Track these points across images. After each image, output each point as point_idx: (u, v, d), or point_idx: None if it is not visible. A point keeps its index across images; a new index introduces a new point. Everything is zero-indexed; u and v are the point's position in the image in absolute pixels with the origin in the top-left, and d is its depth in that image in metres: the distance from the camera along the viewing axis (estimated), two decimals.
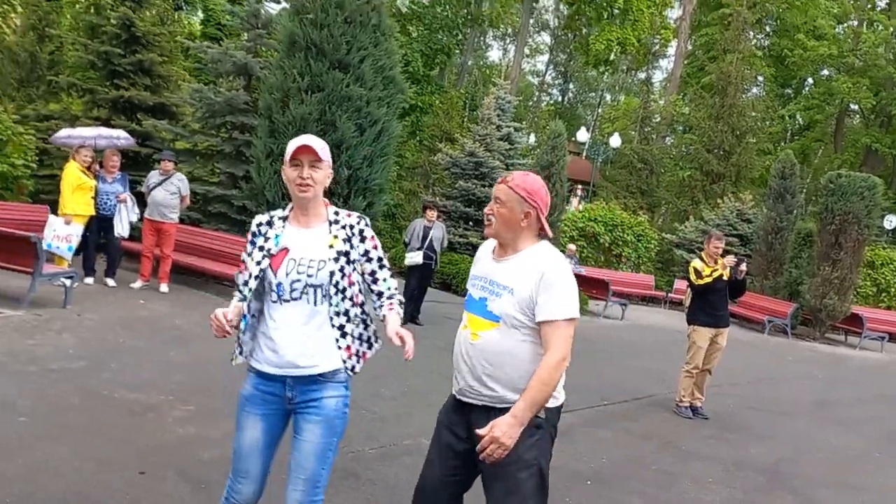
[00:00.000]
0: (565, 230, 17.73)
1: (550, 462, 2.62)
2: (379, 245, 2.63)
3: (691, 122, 28.15)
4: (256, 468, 2.53)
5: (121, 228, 8.95)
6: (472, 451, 2.56)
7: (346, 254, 2.54)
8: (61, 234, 8.31)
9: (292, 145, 2.47)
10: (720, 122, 25.10)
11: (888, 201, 20.66)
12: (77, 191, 8.61)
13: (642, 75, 45.85)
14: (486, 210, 2.64)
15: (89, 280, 8.91)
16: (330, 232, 2.55)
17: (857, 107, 33.93)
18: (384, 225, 21.18)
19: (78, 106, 13.35)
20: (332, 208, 2.62)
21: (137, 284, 9.15)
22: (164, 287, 9.20)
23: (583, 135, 27.23)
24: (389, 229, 21.54)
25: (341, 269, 2.50)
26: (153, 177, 9.31)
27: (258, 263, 2.51)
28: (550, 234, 2.68)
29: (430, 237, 9.82)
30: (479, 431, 2.44)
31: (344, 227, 2.57)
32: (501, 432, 2.40)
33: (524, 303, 2.50)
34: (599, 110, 50.17)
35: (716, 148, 25.22)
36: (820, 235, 15.51)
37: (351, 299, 2.54)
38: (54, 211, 8.78)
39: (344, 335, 2.56)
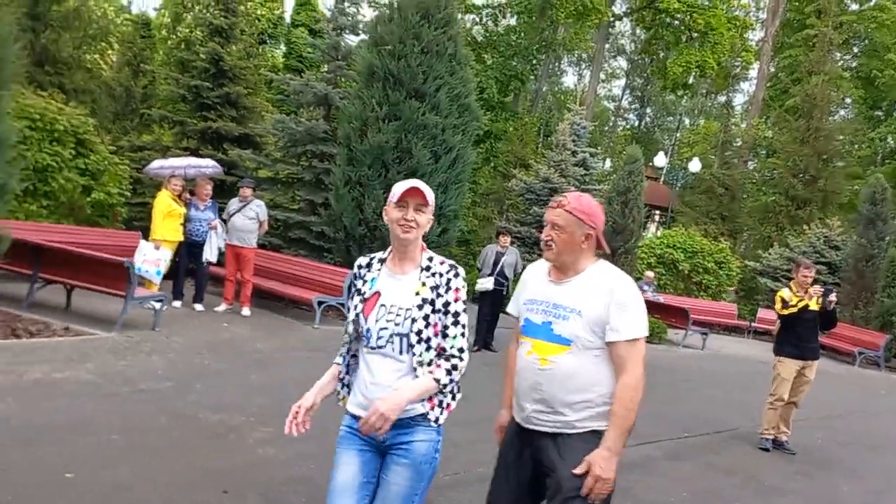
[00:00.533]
0: (643, 257, 17.42)
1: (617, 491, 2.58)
2: (462, 298, 2.49)
3: (775, 145, 27.31)
4: None
5: (209, 254, 9.34)
6: (537, 478, 2.58)
7: (432, 302, 2.44)
8: (150, 259, 8.71)
9: (401, 187, 2.45)
10: (805, 146, 24.24)
11: None
12: (167, 218, 9.03)
13: (722, 98, 44.88)
14: (543, 236, 2.63)
15: (177, 304, 9.30)
16: (419, 278, 2.47)
17: None
18: (458, 251, 21.31)
19: (169, 137, 14.02)
20: (428, 254, 2.53)
21: (221, 308, 9.48)
22: (245, 311, 9.50)
23: (661, 160, 26.78)
24: (463, 255, 21.64)
25: (425, 318, 2.41)
26: (233, 203, 9.68)
27: (355, 308, 2.51)
28: (608, 249, 2.67)
29: (501, 263, 9.81)
30: (576, 471, 2.41)
31: (434, 275, 2.47)
32: (601, 469, 2.38)
33: (595, 323, 2.49)
34: (678, 135, 49.29)
35: (801, 172, 24.35)
36: None
37: (436, 349, 2.43)
38: (146, 237, 9.22)
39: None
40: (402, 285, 2.48)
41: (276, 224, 11.22)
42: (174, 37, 23.59)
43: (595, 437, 2.50)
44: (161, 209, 9.02)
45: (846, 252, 17.61)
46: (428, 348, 2.41)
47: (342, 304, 10.02)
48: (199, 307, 9.36)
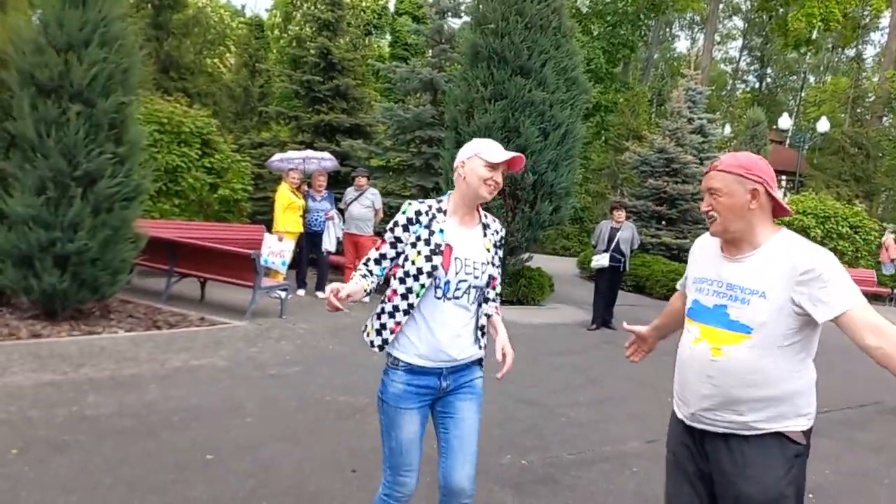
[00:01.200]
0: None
1: None
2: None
3: None
4: (417, 459, 2.61)
5: (328, 244, 9.65)
6: (712, 481, 2.27)
7: (494, 257, 2.66)
8: (275, 251, 9.10)
9: (500, 153, 2.54)
10: None
11: None
12: (288, 210, 9.39)
13: (851, 52, 41.76)
14: (703, 208, 2.27)
15: (301, 292, 9.68)
16: (485, 235, 2.66)
17: None
18: (571, 229, 21.04)
19: (285, 132, 14.59)
20: (483, 211, 2.71)
21: None
22: (365, 297, 9.74)
23: (785, 122, 25.22)
24: (577, 233, 21.34)
25: (492, 274, 2.66)
26: (349, 193, 9.95)
27: (428, 258, 2.52)
28: (790, 210, 2.32)
29: (616, 239, 9.57)
30: None
31: (494, 232, 2.70)
32: None
33: (783, 307, 2.11)
34: (802, 94, 46.32)
35: None
36: None
37: (486, 300, 2.70)
38: (269, 230, 9.64)
39: (483, 334, 2.70)
40: (471, 239, 2.62)
41: (389, 211, 11.42)
42: (286, 35, 24.47)
43: (778, 440, 2.17)
44: (282, 202, 9.39)
45: None
46: (486, 300, 2.70)
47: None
48: (321, 295, 9.67)
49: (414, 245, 2.54)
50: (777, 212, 2.23)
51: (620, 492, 4.12)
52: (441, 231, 2.56)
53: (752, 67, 51.02)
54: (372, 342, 2.63)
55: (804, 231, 16.37)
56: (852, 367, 8.31)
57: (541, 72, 9.92)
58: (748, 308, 2.15)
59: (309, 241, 9.73)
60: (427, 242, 2.53)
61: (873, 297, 16.35)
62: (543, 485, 4.14)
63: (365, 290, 2.56)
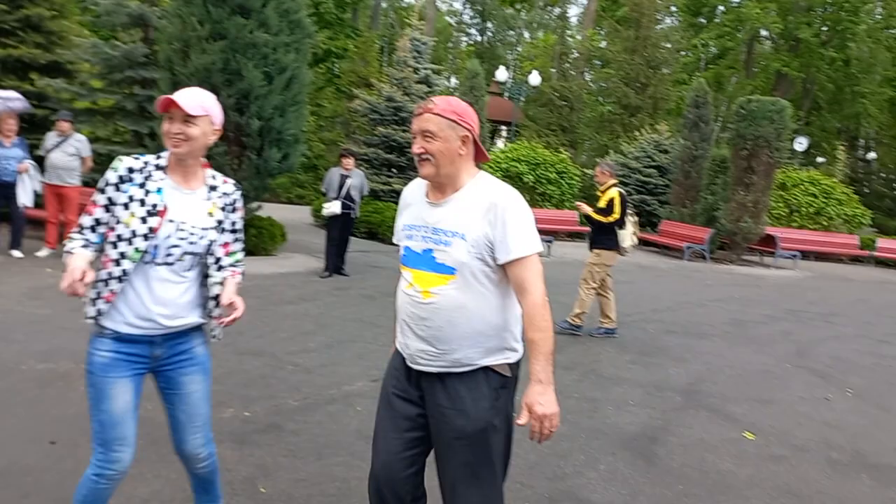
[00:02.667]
0: (489, 172, 17.70)
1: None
2: (242, 214, 2.63)
3: (608, 56, 28.34)
4: (132, 432, 2.44)
5: (25, 198, 8.49)
6: (426, 418, 2.37)
7: (221, 222, 2.51)
8: None
9: (163, 100, 2.32)
10: (636, 55, 25.38)
11: (798, 124, 21.33)
12: None
13: (558, 10, 45.71)
14: (414, 150, 2.27)
15: None
16: (209, 198, 2.49)
17: (766, 32, 34.76)
18: (306, 177, 20.82)
19: None
20: (210, 171, 2.54)
21: (43, 253, 8.76)
22: None
23: (502, 74, 27.00)
24: (311, 181, 21.16)
25: (218, 238, 2.51)
26: (50, 139, 8.85)
27: (143, 220, 2.32)
28: (489, 156, 2.48)
29: (346, 186, 9.64)
30: (519, 422, 2.19)
31: (223, 195, 2.54)
32: (543, 408, 2.15)
33: (480, 246, 2.22)
34: (519, 49, 49.92)
35: (633, 81, 25.53)
36: (733, 161, 15.97)
37: (220, 267, 2.54)
38: None
39: (217, 304, 2.52)
40: (191, 203, 2.44)
41: (98, 159, 10.34)
42: None
43: (485, 374, 2.30)
44: None
45: (674, 155, 18.76)
46: (220, 267, 2.52)
47: None
48: (17, 253, 8.56)
49: (126, 206, 2.32)
50: (478, 157, 2.33)
51: (343, 431, 4.21)
52: (159, 190, 2.36)
53: (474, 21, 53.76)
54: (87, 313, 2.40)
55: (518, 177, 17.84)
56: (554, 297, 9.29)
57: (262, 12, 9.48)
58: (451, 249, 2.23)
59: None
60: (141, 203, 2.33)
61: (574, 236, 18.40)
62: (267, 433, 4.09)
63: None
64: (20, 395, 4.33)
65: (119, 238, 2.33)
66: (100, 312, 2.37)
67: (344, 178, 9.66)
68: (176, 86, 9.43)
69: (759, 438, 4.77)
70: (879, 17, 34.95)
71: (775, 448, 4.62)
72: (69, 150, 8.80)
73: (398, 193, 14.90)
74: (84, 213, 2.38)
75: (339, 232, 9.75)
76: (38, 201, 8.91)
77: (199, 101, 2.37)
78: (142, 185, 2.36)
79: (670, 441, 4.58)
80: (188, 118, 2.34)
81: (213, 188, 2.51)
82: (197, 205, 2.45)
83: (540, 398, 2.15)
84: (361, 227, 14.29)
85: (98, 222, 2.36)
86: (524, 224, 2.23)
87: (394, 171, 15.60)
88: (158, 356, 2.46)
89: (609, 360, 6.49)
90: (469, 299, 2.24)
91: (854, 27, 31.87)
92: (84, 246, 2.34)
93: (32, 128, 10.88)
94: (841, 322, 9.74)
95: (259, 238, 10.52)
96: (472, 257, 2.22)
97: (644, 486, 3.84)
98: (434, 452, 2.40)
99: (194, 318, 2.51)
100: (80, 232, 2.36)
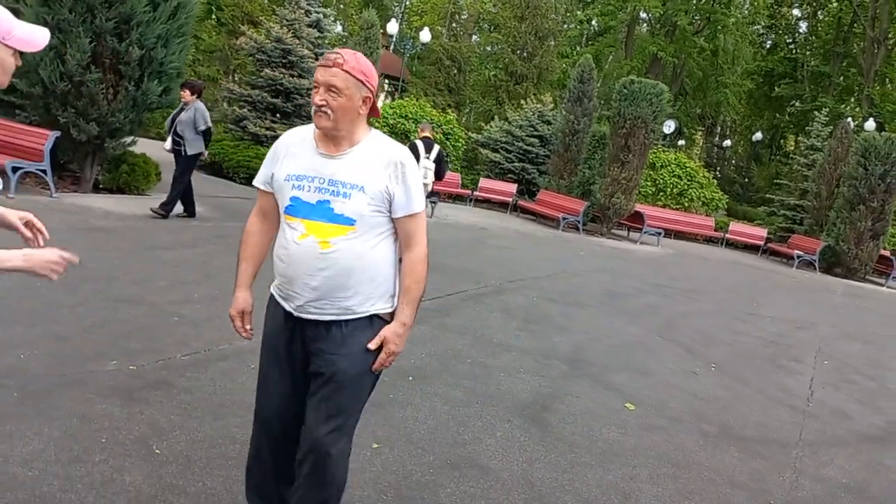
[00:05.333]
0: (376, 126, 17.43)
1: None
2: None
3: (497, 20, 28.47)
4: None
5: None
6: (308, 366, 2.45)
7: None
8: None
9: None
10: (524, 23, 25.64)
11: (670, 107, 22.43)
12: None
13: None
14: (316, 100, 2.24)
15: None
16: None
17: (646, 15, 36.16)
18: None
19: None
20: None
21: None
22: None
23: (392, 27, 26.55)
24: None
25: None
26: None
27: None
28: (380, 114, 2.50)
29: (176, 120, 8.89)
30: (370, 346, 2.38)
31: None
32: (396, 345, 2.41)
33: (378, 199, 2.30)
34: (407, 2, 49.15)
35: (520, 49, 25.82)
36: (612, 138, 16.56)
37: None
38: None
39: None
40: None
41: None
42: None
43: (371, 320, 2.41)
44: None
45: (556, 127, 19.22)
46: None
47: (42, 171, 8.73)
48: None
49: None
50: (371, 113, 2.38)
51: (240, 389, 4.04)
52: None
53: None
54: None
55: (405, 134, 17.68)
56: (440, 260, 9.36)
57: None
58: (350, 202, 2.28)
59: None
60: None
61: (455, 198, 18.56)
62: (157, 389, 3.86)
63: None
64: None
65: None
66: None
67: (177, 112, 9.01)
68: (45, 1, 8.55)
69: (639, 409, 5.03)
70: (747, 12, 37.28)
71: (654, 419, 4.89)
72: None
73: None
74: None
75: (176, 173, 9.05)
76: None
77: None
78: None
79: (560, 409, 4.74)
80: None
81: None
82: None
83: (398, 339, 2.40)
84: (242, 173, 13.70)
85: None
86: (418, 182, 2.38)
87: (278, 116, 15.01)
88: None
89: (497, 326, 6.61)
90: (366, 249, 2.33)
91: (725, 19, 33.80)
92: None
93: None
94: (701, 298, 10.42)
95: (131, 175, 9.84)
96: (371, 209, 2.29)
97: (539, 454, 3.96)
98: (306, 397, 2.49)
99: None
100: None
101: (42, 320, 4.45)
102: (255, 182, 2.53)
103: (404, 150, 2.39)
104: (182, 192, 9.03)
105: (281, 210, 2.41)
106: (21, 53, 1.96)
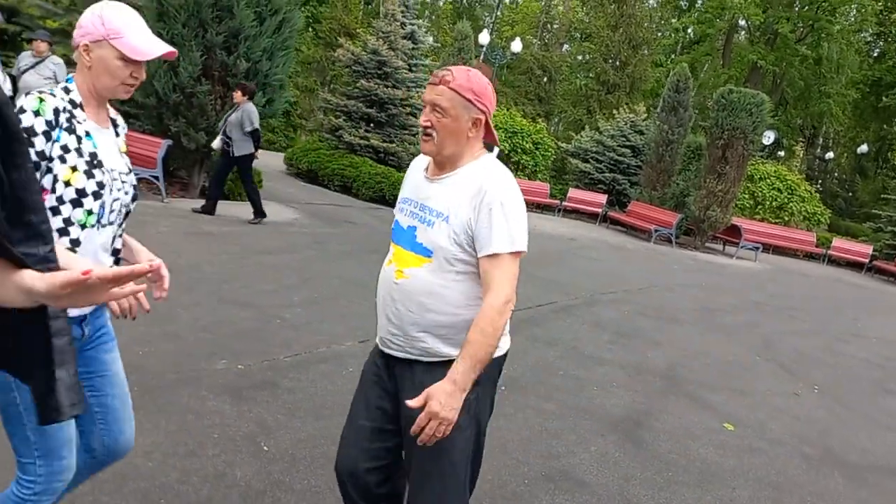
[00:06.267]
0: None
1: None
2: None
3: (590, 30, 28.23)
4: (74, 429, 2.02)
5: None
6: (398, 409, 2.21)
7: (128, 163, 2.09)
8: None
9: (144, 41, 1.88)
10: (617, 32, 25.33)
11: (771, 118, 21.67)
12: None
13: None
14: (422, 121, 2.07)
15: None
16: (118, 135, 2.06)
17: (745, 23, 35.02)
18: (278, 122, 20.37)
19: None
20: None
21: None
22: None
23: (484, 37, 26.70)
24: (283, 127, 20.75)
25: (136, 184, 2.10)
26: (24, 58, 8.46)
27: (88, 174, 1.85)
28: (497, 141, 2.26)
29: (224, 121, 8.89)
30: (410, 404, 1.94)
31: (122, 129, 2.12)
32: (440, 405, 1.90)
33: (461, 233, 2.04)
34: (498, 13, 49.32)
35: (612, 58, 25.53)
36: (708, 149, 16.13)
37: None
38: None
39: (117, 262, 2.05)
40: (110, 143, 2.00)
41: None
42: None
43: None
44: None
45: (648, 137, 18.88)
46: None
47: (155, 177, 9.25)
48: None
49: (63, 159, 1.81)
50: (486, 137, 2.16)
51: (339, 391, 4.17)
52: (88, 135, 1.88)
53: None
54: None
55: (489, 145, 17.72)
56: (529, 270, 9.35)
57: None
58: (431, 231, 2.08)
59: None
60: (79, 153, 1.84)
61: (544, 208, 18.48)
62: (263, 389, 4.04)
63: None
64: None
65: (60, 201, 1.82)
66: None
67: (229, 113, 8.98)
68: (161, 16, 9.09)
69: (738, 429, 4.89)
70: (854, 19, 35.56)
71: (753, 440, 4.75)
72: (45, 72, 8.42)
73: (375, 149, 14.74)
74: None
75: (218, 168, 9.20)
76: None
77: (159, 40, 1.95)
78: (71, 130, 1.85)
79: (655, 426, 4.67)
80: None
81: (115, 122, 2.07)
82: (113, 145, 2.00)
83: (443, 397, 1.91)
84: (336, 181, 14.10)
85: None
86: (510, 217, 2.02)
87: (372, 126, 15.37)
88: (86, 336, 2.01)
89: (588, 339, 6.56)
90: (440, 286, 2.08)
91: (830, 27, 32.35)
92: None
93: (2, 44, 10.37)
94: (801, 317, 10.02)
95: (235, 182, 10.28)
96: (452, 242, 2.05)
97: (635, 471, 3.92)
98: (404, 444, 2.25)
99: None
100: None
101: (160, 320, 4.72)
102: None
103: (500, 181, 2.07)
104: (251, 196, 9.15)
105: None
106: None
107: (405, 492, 2.34)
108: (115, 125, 2.06)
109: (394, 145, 14.85)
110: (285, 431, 3.57)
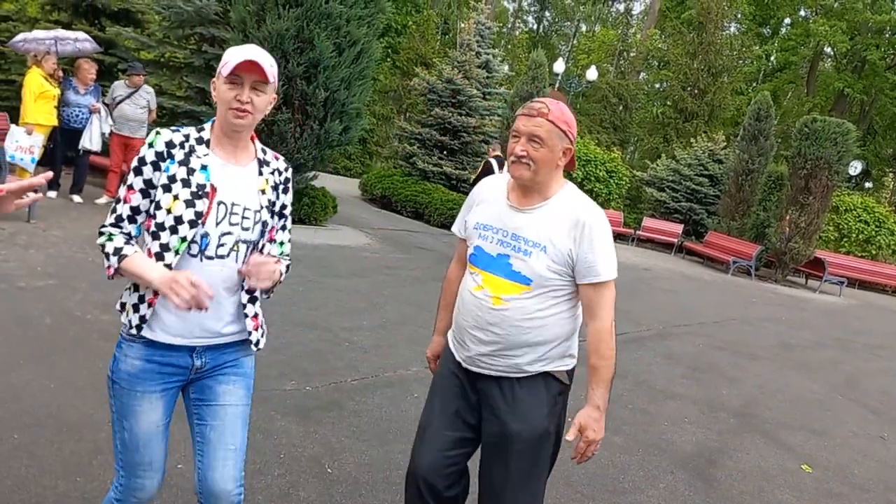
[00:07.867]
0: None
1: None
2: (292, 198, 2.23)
3: (668, 57, 27.87)
4: (160, 455, 2.06)
5: (89, 142, 8.56)
6: (479, 420, 2.37)
7: (273, 204, 2.10)
8: (24, 146, 7.93)
9: (235, 57, 1.91)
10: (696, 60, 24.92)
11: (858, 147, 20.84)
12: (40, 99, 8.18)
13: (621, 6, 45.03)
14: (517, 150, 2.16)
15: (52, 194, 8.56)
16: (261, 174, 2.07)
17: (830, 50, 33.94)
18: (354, 149, 20.83)
19: (34, 8, 12.58)
20: (258, 143, 2.12)
21: (103, 200, 8.85)
22: None
23: (559, 66, 26.71)
24: (360, 154, 21.19)
25: (267, 223, 2.10)
26: (119, 88, 8.91)
27: (189, 204, 1.92)
28: (575, 168, 2.38)
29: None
30: (568, 438, 2.22)
31: (274, 172, 2.12)
32: (595, 433, 2.19)
33: (561, 262, 2.18)
34: (574, 41, 49.31)
35: (690, 85, 25.10)
36: (790, 179, 15.61)
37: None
38: (14, 120, 8.36)
39: (253, 301, 2.11)
40: (242, 181, 2.03)
41: (161, 112, 10.42)
42: None
43: (544, 380, 2.30)
44: (32, 89, 8.14)
45: (727, 166, 18.42)
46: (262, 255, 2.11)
47: None
48: (77, 198, 8.67)
49: (168, 188, 1.92)
50: (568, 166, 2.28)
51: (403, 417, 4.20)
52: (204, 168, 1.96)
53: (532, 8, 53.13)
54: (130, 322, 1.98)
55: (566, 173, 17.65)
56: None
57: None
58: (529, 260, 2.19)
59: (66, 137, 8.56)
60: (186, 183, 1.93)
61: (617, 237, 18.20)
62: (328, 411, 4.10)
63: None
64: (86, 345, 4.37)
65: (160, 227, 1.94)
66: (143, 320, 1.96)
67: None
68: None
69: (817, 472, 4.66)
70: None
71: (834, 484, 4.52)
72: (140, 102, 8.86)
73: (448, 176, 14.87)
74: (119, 201, 1.97)
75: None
76: (103, 148, 8.99)
77: (272, 65, 1.97)
78: (184, 163, 1.95)
79: (728, 465, 4.50)
80: (259, 85, 1.96)
81: (264, 163, 2.10)
82: (248, 183, 2.04)
83: (595, 424, 2.20)
84: (409, 207, 14.28)
85: (137, 210, 1.96)
86: (608, 247, 2.21)
87: (445, 153, 15.52)
88: (200, 367, 2.06)
89: (660, 373, 6.40)
90: (541, 311, 2.23)
91: None
92: (127, 242, 1.95)
93: (100, 75, 10.97)
94: (888, 356, 9.51)
95: (311, 207, 10.53)
96: (551, 271, 2.19)
97: None
98: (481, 453, 2.40)
99: (242, 327, 2.10)
100: (116, 224, 1.96)
101: None
102: (453, 229, 2.53)
103: (596, 211, 2.22)
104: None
105: (467, 256, 2.39)
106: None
107: (465, 493, 2.49)
108: (262, 164, 2.09)
109: (466, 172, 14.95)
110: (349, 454, 3.61)
